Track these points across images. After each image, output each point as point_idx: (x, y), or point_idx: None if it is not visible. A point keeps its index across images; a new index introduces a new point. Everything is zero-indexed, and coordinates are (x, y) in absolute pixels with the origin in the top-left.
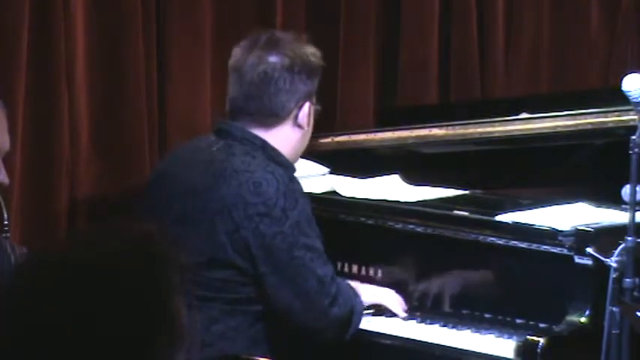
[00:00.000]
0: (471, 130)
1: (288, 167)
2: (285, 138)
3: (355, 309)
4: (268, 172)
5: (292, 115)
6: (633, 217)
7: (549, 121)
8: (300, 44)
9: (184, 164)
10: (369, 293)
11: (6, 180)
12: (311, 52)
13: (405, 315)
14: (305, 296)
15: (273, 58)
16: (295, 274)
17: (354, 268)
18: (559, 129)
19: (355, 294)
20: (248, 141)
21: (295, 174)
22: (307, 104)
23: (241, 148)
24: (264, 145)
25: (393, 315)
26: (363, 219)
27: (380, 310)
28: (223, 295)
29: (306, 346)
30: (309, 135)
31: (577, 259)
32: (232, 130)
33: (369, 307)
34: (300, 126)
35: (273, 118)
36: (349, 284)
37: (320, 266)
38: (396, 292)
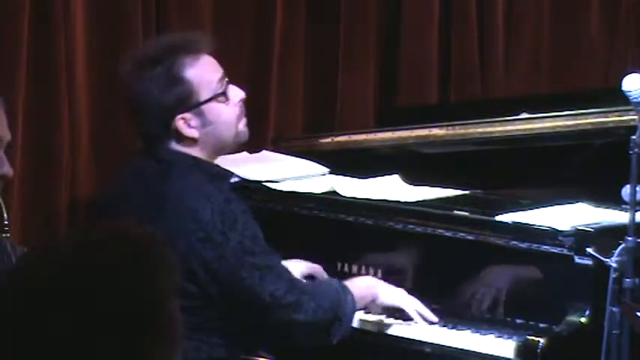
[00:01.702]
0: (471, 130)
1: (223, 178)
2: (191, 150)
3: (341, 307)
4: (203, 196)
5: (173, 134)
6: (633, 217)
7: (549, 121)
8: (139, 62)
9: (123, 196)
10: (389, 294)
11: (10, 171)
12: (149, 66)
13: (432, 322)
14: (262, 313)
15: (125, 86)
16: (246, 295)
17: (354, 268)
18: (559, 129)
19: (341, 291)
20: (180, 162)
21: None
22: (178, 119)
23: (176, 171)
24: (196, 161)
25: (407, 319)
26: (363, 219)
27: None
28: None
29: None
30: (221, 125)
31: (577, 259)
32: (162, 152)
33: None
34: (189, 138)
35: (158, 139)
36: (334, 283)
37: (271, 282)
38: None
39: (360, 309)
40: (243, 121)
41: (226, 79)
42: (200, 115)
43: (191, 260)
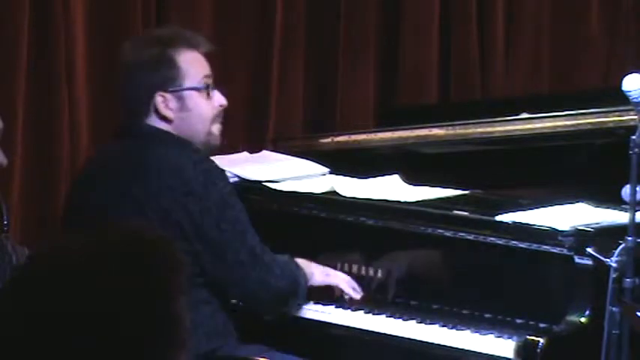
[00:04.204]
0: (471, 130)
1: (199, 152)
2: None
3: (298, 281)
4: (185, 156)
5: (152, 109)
6: (633, 217)
7: (549, 121)
8: (143, 39)
9: (101, 169)
10: (321, 273)
11: (4, 160)
12: (150, 44)
13: (358, 298)
14: (239, 268)
15: (121, 58)
16: (226, 248)
17: (354, 268)
18: (559, 129)
19: (297, 267)
20: (158, 136)
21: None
22: (157, 95)
23: (155, 142)
24: (171, 136)
25: (343, 305)
26: (363, 219)
27: (332, 297)
28: None
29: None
30: (196, 116)
31: (577, 259)
32: (135, 127)
33: (321, 289)
34: (165, 118)
35: (138, 113)
36: (289, 259)
37: (250, 238)
38: (396, 291)
39: None
40: (218, 126)
41: (211, 81)
42: (180, 99)
43: (176, 214)
